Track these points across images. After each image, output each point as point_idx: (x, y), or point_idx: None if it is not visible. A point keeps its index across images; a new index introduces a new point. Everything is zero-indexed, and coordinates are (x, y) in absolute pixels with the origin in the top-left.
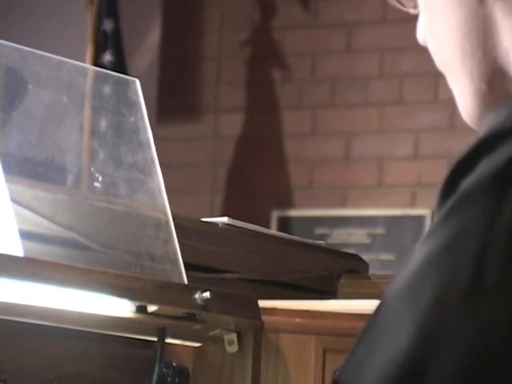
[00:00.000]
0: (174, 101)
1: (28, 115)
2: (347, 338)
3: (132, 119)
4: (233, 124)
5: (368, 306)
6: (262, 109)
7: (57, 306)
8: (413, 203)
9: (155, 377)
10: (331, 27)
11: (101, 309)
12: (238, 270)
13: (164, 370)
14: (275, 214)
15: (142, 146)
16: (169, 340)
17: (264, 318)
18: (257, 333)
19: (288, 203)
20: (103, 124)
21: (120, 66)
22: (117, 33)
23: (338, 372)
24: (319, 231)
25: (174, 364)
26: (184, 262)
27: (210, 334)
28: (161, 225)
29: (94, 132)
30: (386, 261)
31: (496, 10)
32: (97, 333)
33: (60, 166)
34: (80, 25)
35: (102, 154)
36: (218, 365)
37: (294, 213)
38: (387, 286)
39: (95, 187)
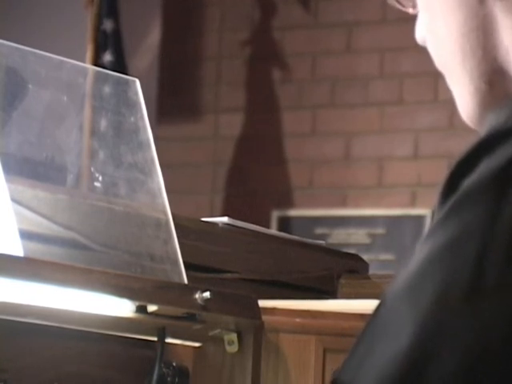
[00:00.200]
0: (174, 101)
1: (28, 115)
2: (347, 337)
3: (132, 119)
4: (233, 124)
5: (368, 305)
6: (262, 109)
7: (57, 305)
8: (413, 203)
9: (155, 377)
10: (331, 27)
11: (101, 309)
12: (237, 270)
13: (164, 369)
14: (275, 214)
15: (142, 145)
16: (169, 340)
17: (264, 317)
18: (257, 333)
19: (288, 203)
20: (103, 124)
21: (120, 65)
22: (117, 33)
23: (337, 371)
24: (319, 231)
25: (174, 364)
26: (184, 262)
27: (210, 333)
28: (161, 225)
29: (93, 132)
30: (386, 261)
31: (496, 9)
32: (97, 333)
33: (60, 166)
34: (80, 25)
35: (101, 154)
36: (217, 365)
37: (293, 213)
38: (387, 285)
39: (95, 187)
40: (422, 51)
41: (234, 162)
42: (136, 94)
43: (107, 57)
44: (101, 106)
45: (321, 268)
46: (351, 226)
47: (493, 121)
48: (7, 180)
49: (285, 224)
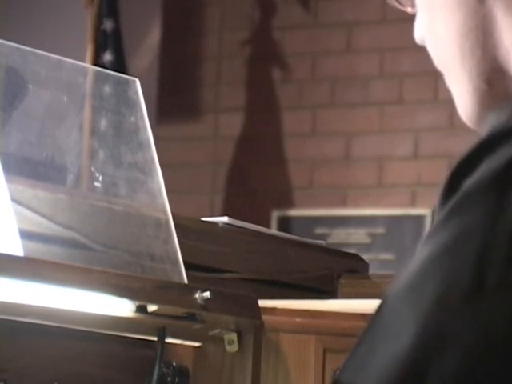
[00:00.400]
0: (174, 101)
1: (28, 115)
2: (347, 337)
3: (132, 119)
4: (233, 124)
5: (368, 305)
6: (262, 109)
7: (57, 305)
8: (413, 203)
9: (155, 377)
10: (331, 27)
11: (101, 308)
12: (238, 270)
13: (164, 369)
14: (275, 214)
15: (142, 145)
16: (169, 340)
17: (264, 317)
18: (257, 332)
19: (288, 203)
20: (103, 124)
21: (120, 65)
22: (117, 32)
23: (338, 372)
24: (319, 231)
25: (174, 364)
26: (184, 262)
27: (210, 333)
28: (161, 224)
29: (93, 132)
30: (386, 260)
31: (496, 8)
32: (97, 333)
33: (60, 166)
34: (80, 25)
35: (102, 154)
36: (217, 364)
37: (293, 213)
38: (387, 285)
39: (95, 187)
40: (422, 51)
41: (234, 162)
42: (136, 93)
43: (107, 57)
44: (101, 106)
45: (321, 268)
46: (351, 226)
47: (493, 121)
48: (7, 180)
49: (285, 224)
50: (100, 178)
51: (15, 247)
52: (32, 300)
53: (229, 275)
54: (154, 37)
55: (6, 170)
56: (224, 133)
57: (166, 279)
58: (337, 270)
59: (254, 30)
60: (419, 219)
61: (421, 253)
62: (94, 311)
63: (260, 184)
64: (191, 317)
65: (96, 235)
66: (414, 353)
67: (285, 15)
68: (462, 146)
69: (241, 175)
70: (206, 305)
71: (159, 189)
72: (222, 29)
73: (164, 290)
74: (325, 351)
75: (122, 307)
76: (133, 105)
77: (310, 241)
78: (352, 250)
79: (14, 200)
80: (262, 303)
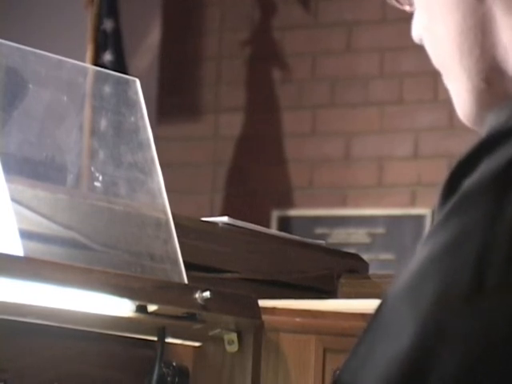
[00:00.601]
0: (174, 101)
1: (28, 115)
2: (347, 337)
3: (132, 119)
4: (233, 124)
5: (368, 305)
6: (262, 109)
7: (57, 305)
8: (413, 203)
9: (155, 376)
10: (331, 27)
11: (101, 308)
12: (238, 270)
13: (164, 369)
14: (275, 214)
15: (142, 145)
16: (169, 339)
17: (264, 317)
18: (257, 332)
19: (288, 203)
20: (103, 124)
21: (120, 65)
22: (117, 32)
23: (338, 372)
24: (319, 231)
25: (174, 364)
26: (184, 262)
27: (210, 333)
28: (161, 224)
29: (93, 132)
30: (386, 260)
31: (495, 8)
32: (97, 332)
33: (60, 166)
34: (80, 24)
35: (102, 154)
36: (218, 364)
37: (293, 212)
38: (387, 285)
39: (95, 187)
40: (422, 51)
41: (234, 162)
42: (136, 93)
43: (107, 56)
44: (101, 106)
45: (321, 268)
46: (351, 226)
47: (493, 121)
48: (7, 180)
49: (285, 224)
50: (100, 178)
51: (15, 247)
52: (32, 300)
53: (229, 275)
54: (154, 37)
55: (6, 170)
56: (224, 133)
57: (166, 279)
58: (337, 270)
59: (254, 29)
60: (419, 219)
61: (420, 253)
62: (94, 311)
63: (260, 184)
64: (191, 317)
65: (96, 235)
66: (414, 353)
67: (285, 15)
68: (461, 146)
69: (241, 175)
70: (206, 305)
71: (159, 189)
72: (222, 29)
73: (164, 289)
74: (325, 351)
75: (122, 307)
76: (133, 105)
77: (310, 241)
78: (352, 250)
79: (14, 200)
80: (262, 303)
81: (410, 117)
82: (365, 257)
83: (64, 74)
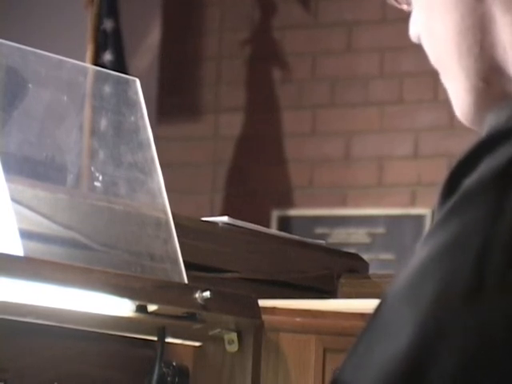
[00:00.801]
0: (174, 101)
1: (28, 115)
2: (347, 337)
3: (132, 119)
4: (233, 124)
5: (368, 305)
6: (262, 109)
7: (57, 305)
8: (413, 203)
9: (155, 376)
10: (331, 27)
11: (101, 308)
12: (238, 270)
13: (164, 369)
14: (275, 214)
15: (142, 145)
16: (169, 339)
17: (264, 317)
18: (257, 332)
19: (288, 203)
20: (103, 123)
21: (120, 65)
22: (117, 32)
23: (337, 371)
24: (319, 231)
25: (174, 363)
26: (184, 262)
27: (210, 333)
28: (161, 224)
29: (94, 131)
30: (386, 260)
31: (494, 7)
32: (97, 332)
33: (60, 166)
34: (80, 24)
35: (102, 154)
36: (218, 364)
37: (294, 212)
38: (387, 285)
39: (95, 187)
40: (422, 51)
41: (234, 162)
42: (136, 93)
43: (107, 56)
44: (101, 106)
45: (321, 268)
46: (351, 226)
47: (493, 121)
48: (7, 180)
49: (285, 224)
50: (100, 178)
51: (15, 247)
52: (32, 300)
53: (229, 275)
54: (154, 37)
55: (6, 170)
56: (224, 133)
57: (166, 279)
58: (337, 270)
59: (254, 29)
60: (419, 219)
61: (420, 252)
62: (94, 311)
63: (260, 184)
64: (191, 317)
65: (96, 235)
66: (413, 351)
67: (285, 15)
68: (461, 146)
69: (241, 175)
70: (206, 305)
71: (159, 189)
72: (221, 29)
73: (164, 289)
74: (325, 351)
75: (122, 307)
76: (133, 105)
77: (309, 241)
78: (352, 250)
79: (14, 200)
80: (262, 303)
81: (410, 117)
82: (365, 257)
83: (64, 73)
